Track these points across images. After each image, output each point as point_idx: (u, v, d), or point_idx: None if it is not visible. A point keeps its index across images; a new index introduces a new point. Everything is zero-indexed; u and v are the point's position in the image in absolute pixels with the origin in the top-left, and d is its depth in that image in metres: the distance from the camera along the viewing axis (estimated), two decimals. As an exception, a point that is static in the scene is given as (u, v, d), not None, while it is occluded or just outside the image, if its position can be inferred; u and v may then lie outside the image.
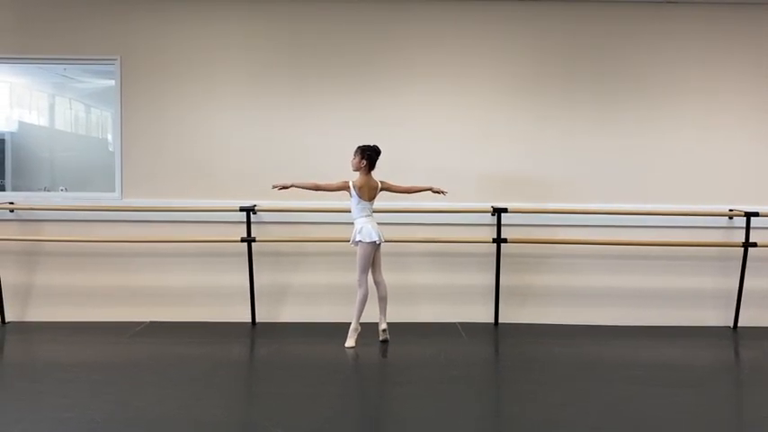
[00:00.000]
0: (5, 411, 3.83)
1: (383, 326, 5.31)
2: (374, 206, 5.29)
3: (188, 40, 6.02)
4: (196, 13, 6.01)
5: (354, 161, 5.21)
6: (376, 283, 5.29)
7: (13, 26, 5.99)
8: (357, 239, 5.15)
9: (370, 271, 5.24)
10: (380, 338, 5.30)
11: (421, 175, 5.90)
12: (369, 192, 5.20)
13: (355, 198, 5.17)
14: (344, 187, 5.16)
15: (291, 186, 5.22)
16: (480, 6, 6.04)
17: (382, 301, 5.31)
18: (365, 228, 5.13)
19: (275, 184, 5.26)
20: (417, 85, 6.05)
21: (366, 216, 5.19)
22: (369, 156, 5.17)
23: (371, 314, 5.33)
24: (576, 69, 6.09)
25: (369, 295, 5.21)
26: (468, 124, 6.06)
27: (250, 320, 5.98)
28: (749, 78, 6.10)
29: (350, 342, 5.20)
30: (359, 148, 5.22)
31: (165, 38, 6.02)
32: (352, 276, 5.23)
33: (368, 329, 5.33)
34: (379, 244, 5.21)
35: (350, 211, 5.25)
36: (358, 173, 5.20)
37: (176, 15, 6.02)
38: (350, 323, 5.25)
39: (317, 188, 5.19)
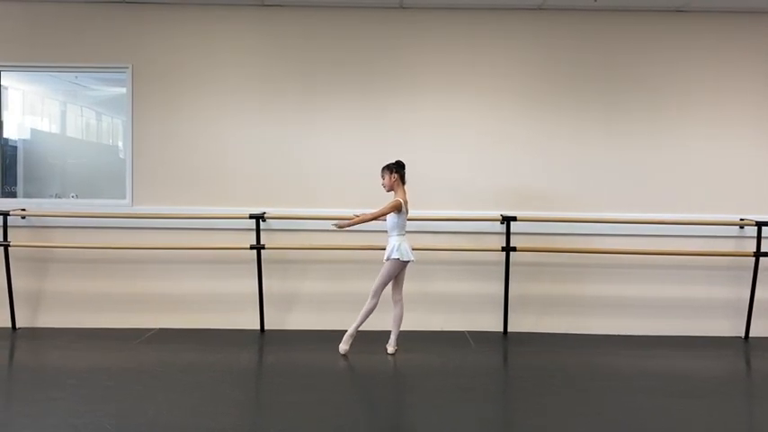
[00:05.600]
0: (15, 417, 3.85)
1: (391, 349, 5.21)
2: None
3: (199, 49, 6.06)
4: (207, 23, 6.05)
5: (387, 181, 5.12)
6: (394, 301, 5.20)
7: (26, 35, 6.05)
8: (394, 256, 5.04)
9: (389, 287, 5.16)
10: (388, 352, 5.24)
11: (431, 184, 5.92)
12: (408, 205, 5.17)
13: (404, 214, 5.10)
14: (397, 206, 5.04)
15: (354, 224, 5.09)
16: (492, 17, 6.05)
17: (396, 321, 5.20)
18: (403, 245, 5.06)
19: (335, 223, 5.12)
20: (428, 93, 6.06)
21: (404, 234, 5.13)
22: (399, 171, 5.13)
23: (386, 324, 5.32)
24: (587, 79, 6.08)
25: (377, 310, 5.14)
26: (478, 133, 6.06)
27: (259, 328, 5.99)
28: (761, 87, 6.08)
29: (344, 347, 5.15)
30: (387, 167, 5.13)
31: (177, 47, 6.06)
32: (361, 284, 5.22)
33: (378, 338, 5.32)
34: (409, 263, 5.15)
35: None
36: (393, 192, 5.13)
37: (188, 25, 6.06)
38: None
39: (374, 218, 5.08)
